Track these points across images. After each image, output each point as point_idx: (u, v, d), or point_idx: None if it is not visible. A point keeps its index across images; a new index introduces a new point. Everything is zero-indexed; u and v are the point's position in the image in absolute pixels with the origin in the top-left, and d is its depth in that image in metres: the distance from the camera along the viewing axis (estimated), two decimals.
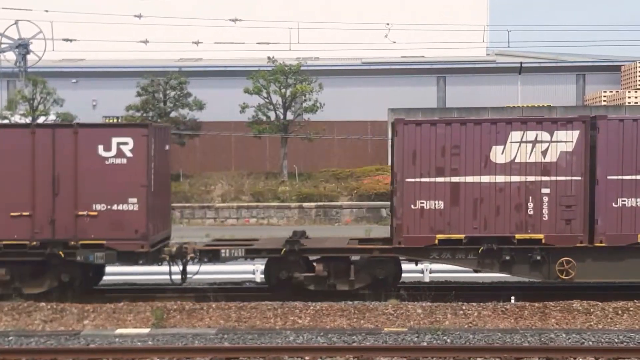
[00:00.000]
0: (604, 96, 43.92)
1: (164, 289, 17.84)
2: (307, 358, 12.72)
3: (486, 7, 56.34)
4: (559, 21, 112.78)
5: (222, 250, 16.98)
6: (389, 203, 33.13)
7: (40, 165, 16.25)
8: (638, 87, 43.20)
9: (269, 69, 38.34)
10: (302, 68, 38.54)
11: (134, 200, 16.17)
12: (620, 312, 15.47)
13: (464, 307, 15.68)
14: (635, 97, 41.82)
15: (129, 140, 16.22)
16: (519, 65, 47.95)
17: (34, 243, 16.28)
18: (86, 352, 13.12)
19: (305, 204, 33.63)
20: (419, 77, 47.78)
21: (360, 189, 34.47)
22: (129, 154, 16.21)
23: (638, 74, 44.01)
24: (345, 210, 32.98)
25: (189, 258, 17.06)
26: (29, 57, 41.92)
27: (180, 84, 39.02)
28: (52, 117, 38.93)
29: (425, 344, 13.46)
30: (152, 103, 38.54)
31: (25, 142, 16.31)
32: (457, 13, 52.45)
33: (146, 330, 14.59)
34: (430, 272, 19.23)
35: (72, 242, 16.28)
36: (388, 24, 47.15)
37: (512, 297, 16.52)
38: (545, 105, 41.32)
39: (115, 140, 16.24)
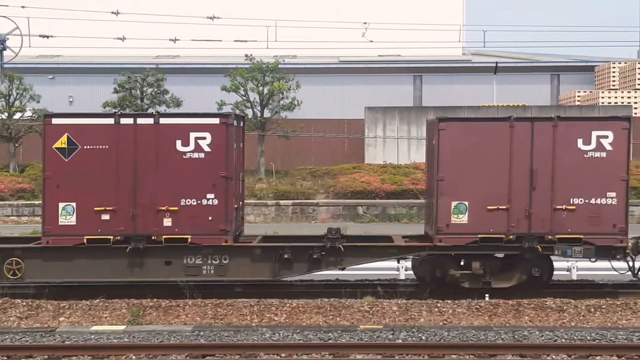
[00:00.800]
0: (578, 96, 44.33)
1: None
2: (283, 355, 12.75)
3: (462, 7, 56.65)
4: (534, 21, 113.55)
5: None
6: (365, 201, 33.48)
7: (518, 158, 16.20)
8: (611, 87, 43.66)
9: (247, 66, 38.30)
10: (279, 66, 38.50)
11: (613, 194, 16.12)
12: (592, 309, 15.62)
13: (438, 305, 15.76)
14: (609, 97, 42.24)
15: (609, 134, 16.16)
16: (494, 65, 48.26)
17: (510, 237, 16.21)
18: (61, 349, 13.07)
19: (282, 202, 33.60)
20: (395, 76, 48.02)
21: (336, 186, 34.50)
22: (609, 147, 16.14)
23: (612, 74, 44.49)
24: (321, 207, 32.98)
25: None
26: (6, 53, 41.67)
27: (158, 81, 38.86)
28: (28, 114, 38.68)
29: (400, 341, 13.53)
30: (129, 100, 38.35)
31: (504, 135, 16.23)
32: (434, 13, 52.70)
33: (122, 327, 14.55)
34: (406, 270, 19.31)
35: (549, 236, 16.21)
36: (365, 23, 47.37)
37: (487, 295, 16.66)
38: (520, 105, 41.63)
39: (595, 134, 16.18)
